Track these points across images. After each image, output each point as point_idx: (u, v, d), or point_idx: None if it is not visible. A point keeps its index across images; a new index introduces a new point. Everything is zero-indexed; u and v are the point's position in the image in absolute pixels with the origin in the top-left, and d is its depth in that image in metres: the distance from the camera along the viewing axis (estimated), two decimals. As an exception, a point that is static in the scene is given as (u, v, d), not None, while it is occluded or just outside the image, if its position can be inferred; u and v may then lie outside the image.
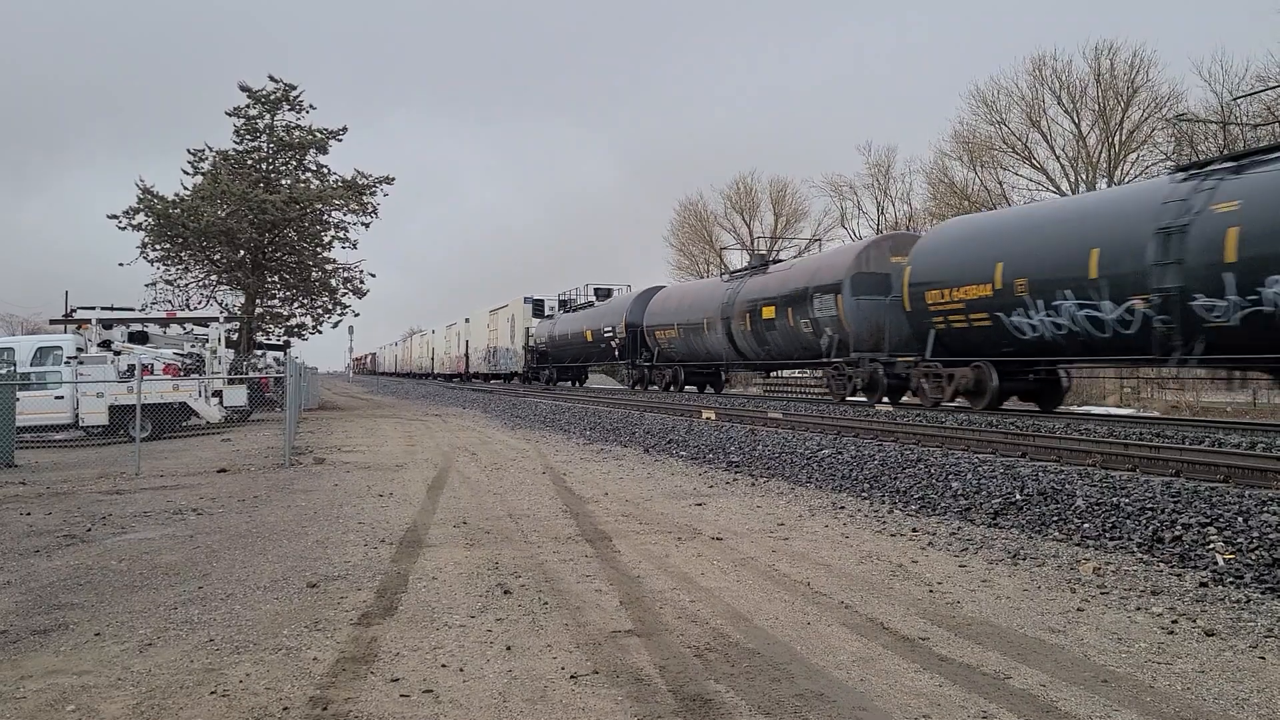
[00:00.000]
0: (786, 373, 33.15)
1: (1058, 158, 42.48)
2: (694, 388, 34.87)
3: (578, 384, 45.68)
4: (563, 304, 46.87)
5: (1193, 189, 14.32)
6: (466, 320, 63.73)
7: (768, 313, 26.49)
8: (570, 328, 43.45)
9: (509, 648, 4.99)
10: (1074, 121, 41.61)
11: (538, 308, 49.08)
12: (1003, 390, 18.52)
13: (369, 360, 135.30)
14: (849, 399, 23.27)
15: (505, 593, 6.17)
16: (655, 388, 35.64)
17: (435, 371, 74.90)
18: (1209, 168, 14.74)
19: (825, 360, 24.17)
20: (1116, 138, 39.76)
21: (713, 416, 19.73)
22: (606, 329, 38.90)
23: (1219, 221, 13.60)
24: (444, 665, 4.72)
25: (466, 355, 61.67)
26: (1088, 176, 40.23)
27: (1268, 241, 13.00)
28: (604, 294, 42.37)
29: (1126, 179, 39.09)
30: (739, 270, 31.15)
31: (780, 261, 29.51)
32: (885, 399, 22.08)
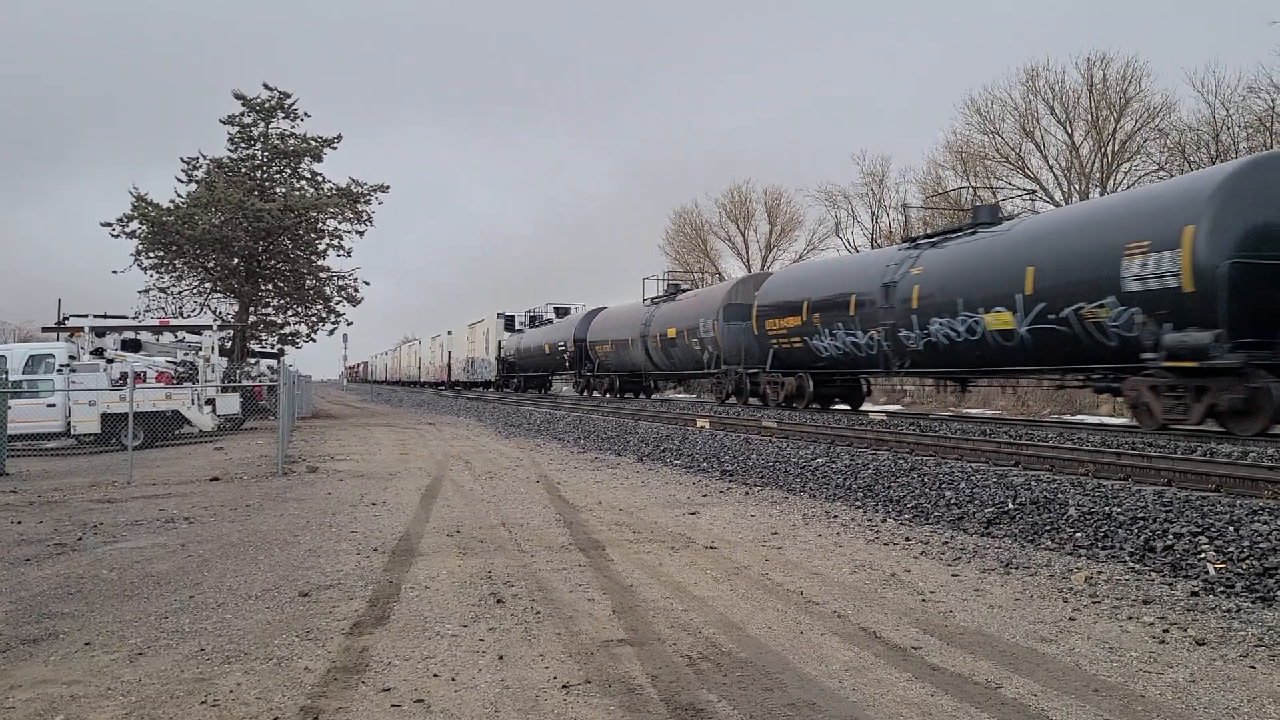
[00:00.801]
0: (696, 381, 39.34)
1: (1051, 168, 42.63)
2: (630, 394, 40.61)
3: (543, 390, 51.01)
4: (531, 320, 51.94)
5: (904, 256, 21.04)
6: (449, 333, 68.76)
7: (671, 333, 33.22)
8: (533, 341, 49.23)
9: (501, 657, 4.99)
10: (1067, 131, 41.78)
11: (509, 323, 54.58)
12: (818, 394, 25.41)
13: (361, 368, 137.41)
14: (724, 401, 29.84)
15: (498, 602, 6.16)
16: (597, 394, 41.70)
17: (421, 380, 79.76)
18: (918, 242, 21.49)
19: (708, 371, 31.08)
20: (1109, 148, 39.90)
21: (707, 425, 19.74)
22: (560, 343, 44.37)
23: (911, 280, 20.23)
24: (436, 675, 4.71)
25: (449, 365, 66.62)
26: (1081, 186, 40.37)
27: (933, 295, 19.43)
28: (562, 312, 47.95)
29: (1120, 188, 39.27)
30: (656, 297, 36.72)
31: (685, 291, 36.28)
32: (751, 399, 28.17)
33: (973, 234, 19.41)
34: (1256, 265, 13.16)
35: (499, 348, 54.37)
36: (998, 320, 17.39)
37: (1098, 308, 15.16)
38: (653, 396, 40.70)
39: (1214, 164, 29.57)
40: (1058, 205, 36.88)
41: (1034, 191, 42.59)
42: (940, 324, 19.06)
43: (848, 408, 26.27)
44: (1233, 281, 13.13)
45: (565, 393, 47.75)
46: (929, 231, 24.05)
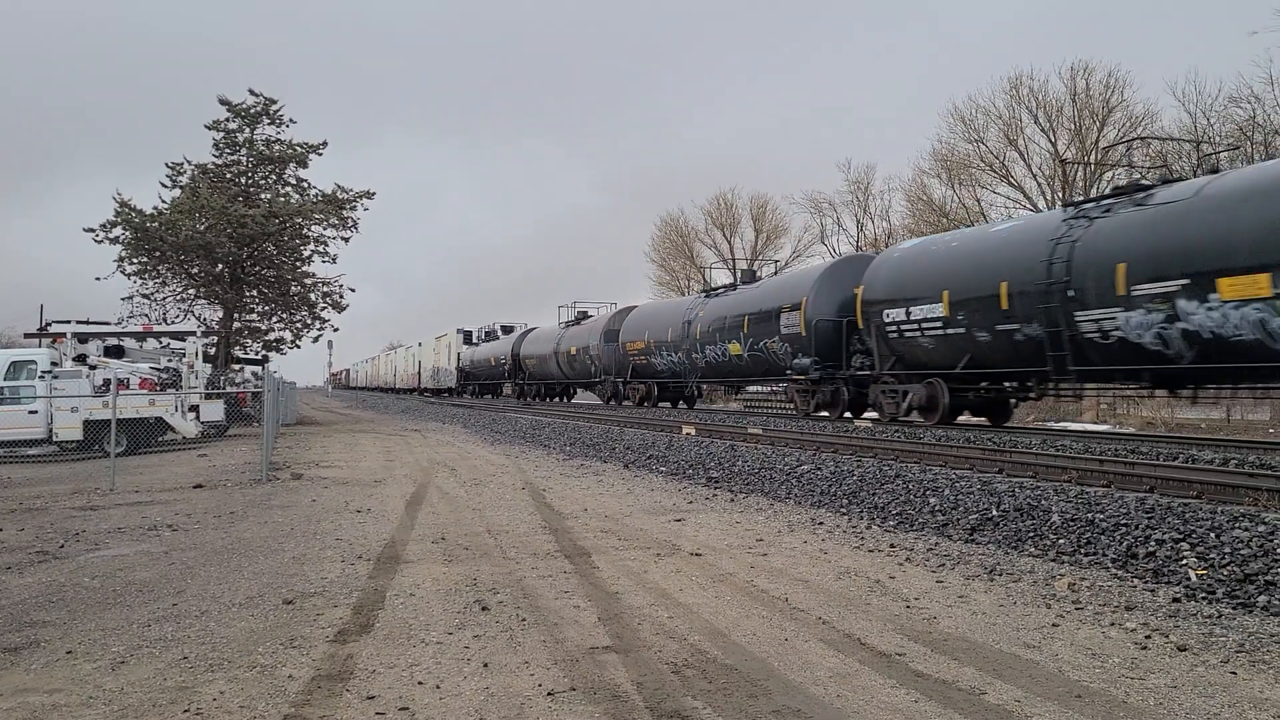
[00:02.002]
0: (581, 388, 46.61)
1: (1034, 176, 42.90)
2: (555, 399, 47.69)
3: (495, 395, 57.58)
4: (486, 335, 59.33)
5: (696, 303, 30.82)
6: (419, 344, 76.92)
7: (574, 350, 40.23)
8: (483, 354, 57.10)
9: (486, 665, 4.98)
10: (1050, 140, 42.07)
11: (467, 337, 61.50)
12: (660, 396, 34.66)
13: (344, 375, 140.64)
14: (607, 403, 35.70)
15: (483, 609, 6.15)
16: (526, 399, 49.05)
17: (397, 386, 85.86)
18: (705, 294, 31.03)
19: (595, 380, 39.19)
20: (1092, 156, 40.18)
21: (693, 432, 19.76)
22: (502, 357, 52.06)
23: (697, 320, 29.59)
24: (420, 683, 4.70)
25: (419, 373, 73.39)
26: (1064, 195, 40.61)
27: (709, 331, 28.62)
28: (507, 329, 55.83)
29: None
30: (567, 321, 43.51)
31: (588, 318, 42.28)
32: (625, 401, 34.74)
33: (734, 289, 29.65)
34: (829, 321, 22.59)
35: (458, 359, 61.18)
36: (733, 348, 27.30)
37: (771, 343, 24.78)
38: (570, 400, 47.79)
39: (1195, 174, 29.97)
40: (1040, 212, 37.04)
41: (1017, 200, 42.83)
42: (711, 348, 28.61)
43: (685, 406, 34.93)
44: (818, 330, 22.75)
45: (505, 394, 55.20)
46: (714, 286, 32.62)
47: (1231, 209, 13.37)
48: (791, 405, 27.34)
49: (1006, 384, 19.15)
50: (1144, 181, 16.72)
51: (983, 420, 20.88)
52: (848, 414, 22.70)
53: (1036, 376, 17.47)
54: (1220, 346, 13.31)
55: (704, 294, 31.36)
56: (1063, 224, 16.19)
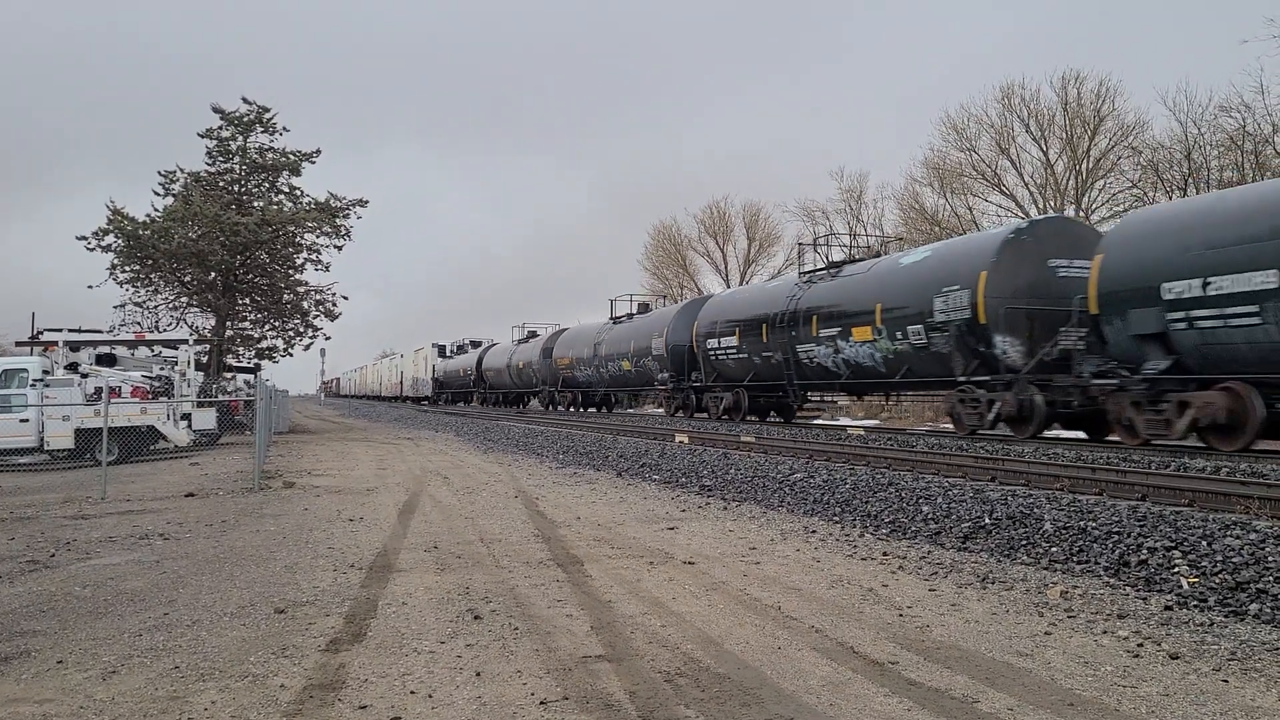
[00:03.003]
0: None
1: (1026, 184, 43.04)
2: (516, 409, 51.79)
3: (465, 402, 63.93)
4: (458, 349, 66.42)
5: (605, 328, 37.94)
6: (401, 356, 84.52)
7: (521, 364, 48.01)
8: (454, 366, 64.62)
9: (479, 674, 4.97)
10: (1042, 149, 42.18)
11: (441, 351, 68.40)
12: (586, 402, 43.69)
13: (335, 384, 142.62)
14: (547, 409, 41.10)
15: (476, 618, 6.14)
16: (489, 405, 56.79)
17: (382, 394, 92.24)
18: (612, 320, 37.72)
19: (536, 389, 47.64)
20: (1084, 165, 40.33)
21: (686, 440, 19.76)
22: (468, 369, 59.72)
23: (605, 341, 37.19)
24: (413, 692, 4.69)
25: (401, 383, 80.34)
26: (1056, 203, 40.77)
27: (611, 351, 36.10)
28: (475, 344, 62.99)
29: (1093, 206, 39.70)
30: (519, 339, 50.51)
31: (536, 337, 48.32)
32: (558, 408, 41.55)
33: (630, 318, 37.02)
34: (681, 346, 30.78)
35: (434, 370, 68.03)
36: (625, 365, 35.24)
37: (647, 360, 33.18)
38: (524, 407, 52.99)
39: (1184, 186, 30.19)
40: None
41: (1009, 209, 42.97)
42: (612, 364, 35.73)
43: (605, 410, 42.02)
44: (673, 352, 31.02)
45: (474, 402, 62.09)
46: (616, 316, 38.68)
47: (857, 285, 21.90)
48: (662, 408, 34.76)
49: (778, 393, 26.19)
50: (836, 260, 25.21)
51: (777, 418, 28.30)
52: (699, 413, 30.46)
53: (782, 387, 25.58)
54: (858, 369, 21.85)
55: (611, 321, 38.17)
56: (795, 286, 24.86)
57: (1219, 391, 13.70)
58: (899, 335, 19.83)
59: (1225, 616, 6.00)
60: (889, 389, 22.67)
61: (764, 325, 25.26)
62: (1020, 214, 41.75)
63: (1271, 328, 12.69)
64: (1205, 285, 13.52)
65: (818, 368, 23.18)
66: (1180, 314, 13.98)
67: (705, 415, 29.42)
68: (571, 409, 42.65)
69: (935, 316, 18.61)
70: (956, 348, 18.23)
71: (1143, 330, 14.61)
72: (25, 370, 21.45)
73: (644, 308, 37.72)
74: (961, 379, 18.30)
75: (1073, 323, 16.60)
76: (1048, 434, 17.81)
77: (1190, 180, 34.77)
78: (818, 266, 24.88)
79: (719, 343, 27.91)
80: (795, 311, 23.69)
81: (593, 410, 42.71)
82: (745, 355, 26.38)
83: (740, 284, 59.02)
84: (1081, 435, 18.00)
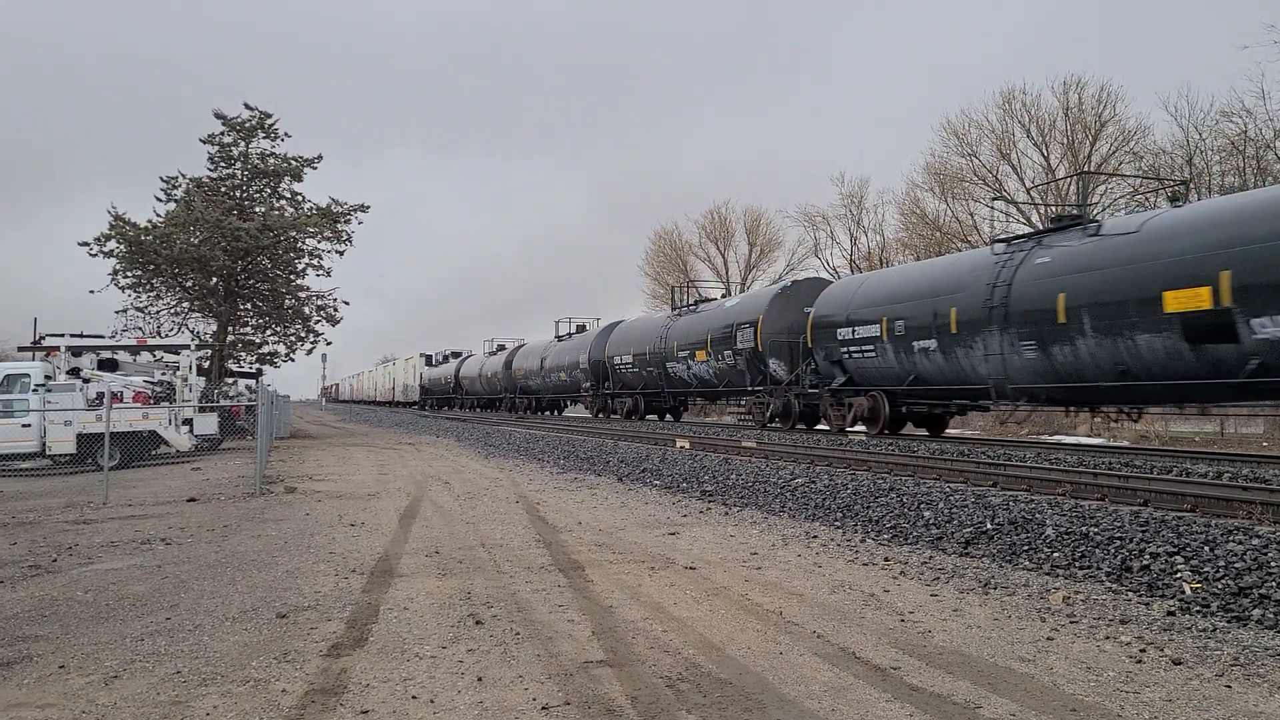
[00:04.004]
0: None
1: (1028, 190, 43.05)
2: (488, 411, 57.44)
3: (448, 408, 68.78)
4: (443, 358, 71.16)
5: (551, 344, 45.44)
6: (394, 363, 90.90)
7: (489, 374, 55.38)
8: (437, 374, 70.38)
9: (480, 679, 4.97)
10: (1043, 154, 42.22)
11: (428, 360, 74.02)
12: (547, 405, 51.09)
13: (335, 389, 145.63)
14: (519, 417, 45.04)
15: (477, 623, 6.14)
16: (463, 410, 62.93)
17: (377, 399, 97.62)
18: (556, 338, 44.91)
19: (508, 395, 53.62)
20: (1085, 170, 40.33)
21: (687, 445, 19.75)
22: (449, 377, 66.17)
23: (550, 355, 45.34)
24: (414, 697, 4.69)
25: (393, 389, 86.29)
26: (1057, 209, 40.74)
27: (553, 364, 44.14)
28: (455, 354, 68.91)
29: (1094, 211, 39.65)
30: (491, 350, 57.27)
31: (504, 349, 54.98)
32: (526, 414, 47.97)
33: (571, 336, 43.53)
34: (598, 362, 38.61)
35: (421, 377, 73.95)
36: (561, 376, 42.96)
37: (575, 372, 40.88)
38: (494, 411, 57.64)
39: (1187, 194, 30.37)
40: (1034, 227, 37.19)
41: (1010, 214, 42.94)
42: (553, 375, 42.69)
43: (555, 413, 47.99)
44: (584, 370, 39.74)
45: (454, 407, 67.53)
46: (559, 334, 46.03)
47: (701, 320, 29.90)
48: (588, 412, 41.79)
49: (660, 398, 34.50)
50: (692, 301, 33.53)
51: (656, 417, 36.12)
52: (613, 415, 37.59)
53: (662, 393, 33.67)
54: (703, 380, 29.85)
55: (556, 339, 45.22)
56: (666, 319, 33.44)
57: (866, 396, 21.79)
58: (720, 357, 27.96)
59: (1228, 622, 5.99)
60: (717, 395, 31.37)
61: (648, 347, 33.53)
62: (1022, 219, 41.74)
63: (880, 359, 20.81)
64: (853, 331, 21.61)
65: (679, 379, 31.62)
66: (846, 349, 22.02)
67: (617, 415, 37.31)
68: (526, 412, 50.00)
69: (737, 345, 26.83)
70: (747, 367, 26.54)
71: (830, 358, 22.80)
72: (27, 375, 21.48)
73: (580, 328, 43.96)
74: (749, 389, 27.01)
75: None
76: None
77: (1193, 185, 34.74)
78: (686, 304, 33.63)
79: (620, 359, 36.16)
80: (666, 338, 32.15)
81: (545, 413, 48.98)
82: (637, 369, 34.52)
83: (741, 289, 59.08)
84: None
